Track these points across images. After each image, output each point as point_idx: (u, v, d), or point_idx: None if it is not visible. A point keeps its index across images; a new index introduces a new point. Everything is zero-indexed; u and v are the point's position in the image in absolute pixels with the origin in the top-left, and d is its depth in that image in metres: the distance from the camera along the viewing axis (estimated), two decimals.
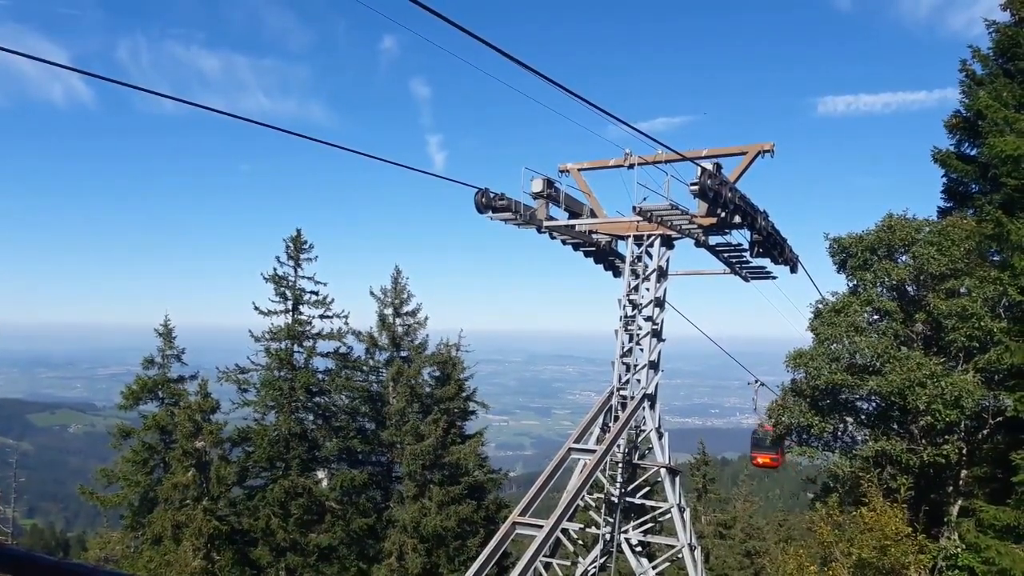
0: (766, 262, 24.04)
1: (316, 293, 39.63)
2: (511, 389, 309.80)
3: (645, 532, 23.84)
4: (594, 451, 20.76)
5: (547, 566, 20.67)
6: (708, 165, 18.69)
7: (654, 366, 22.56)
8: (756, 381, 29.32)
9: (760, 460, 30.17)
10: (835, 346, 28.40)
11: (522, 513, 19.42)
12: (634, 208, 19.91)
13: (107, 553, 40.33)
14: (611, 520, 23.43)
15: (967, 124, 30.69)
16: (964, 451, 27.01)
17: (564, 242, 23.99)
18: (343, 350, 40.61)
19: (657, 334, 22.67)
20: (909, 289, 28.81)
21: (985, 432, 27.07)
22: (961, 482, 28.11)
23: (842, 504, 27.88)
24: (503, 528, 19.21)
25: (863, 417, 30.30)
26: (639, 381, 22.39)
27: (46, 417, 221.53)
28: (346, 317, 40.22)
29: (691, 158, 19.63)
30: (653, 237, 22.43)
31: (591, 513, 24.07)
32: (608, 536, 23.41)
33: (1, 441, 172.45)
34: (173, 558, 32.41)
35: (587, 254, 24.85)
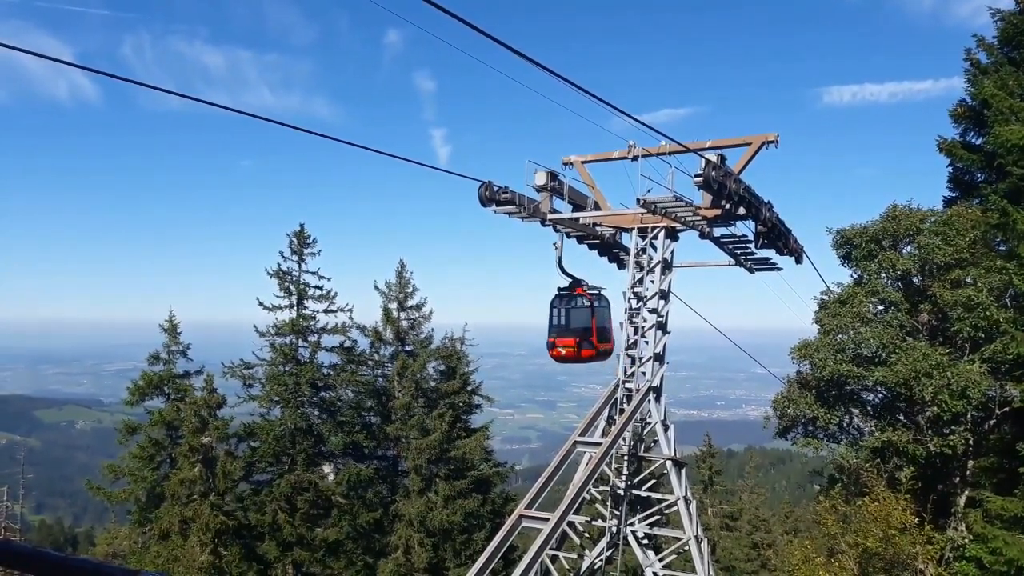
0: (771, 253, 23.98)
1: (320, 287, 39.65)
2: (516, 383, 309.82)
3: (651, 525, 23.83)
4: (600, 444, 20.76)
5: (553, 559, 20.70)
6: (712, 156, 18.63)
7: (659, 358, 22.52)
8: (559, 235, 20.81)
9: (561, 349, 20.68)
10: (840, 337, 28.41)
11: (528, 506, 19.45)
12: (638, 200, 19.84)
13: (115, 548, 40.57)
14: (617, 513, 23.44)
15: (972, 113, 30.57)
16: (971, 441, 26.97)
17: (568, 235, 23.92)
18: (348, 344, 40.63)
19: (662, 326, 22.63)
20: (914, 279, 28.76)
21: (992, 422, 27.04)
22: (968, 473, 28.09)
23: (848, 495, 27.90)
24: (509, 521, 19.25)
25: (869, 408, 30.28)
26: (644, 374, 22.36)
27: (53, 413, 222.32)
28: (350, 311, 40.25)
29: (695, 150, 19.55)
30: (657, 229, 22.37)
31: (597, 506, 24.08)
32: (614, 529, 23.42)
33: (8, 438, 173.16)
34: (180, 553, 32.53)
35: (591, 247, 24.79)
